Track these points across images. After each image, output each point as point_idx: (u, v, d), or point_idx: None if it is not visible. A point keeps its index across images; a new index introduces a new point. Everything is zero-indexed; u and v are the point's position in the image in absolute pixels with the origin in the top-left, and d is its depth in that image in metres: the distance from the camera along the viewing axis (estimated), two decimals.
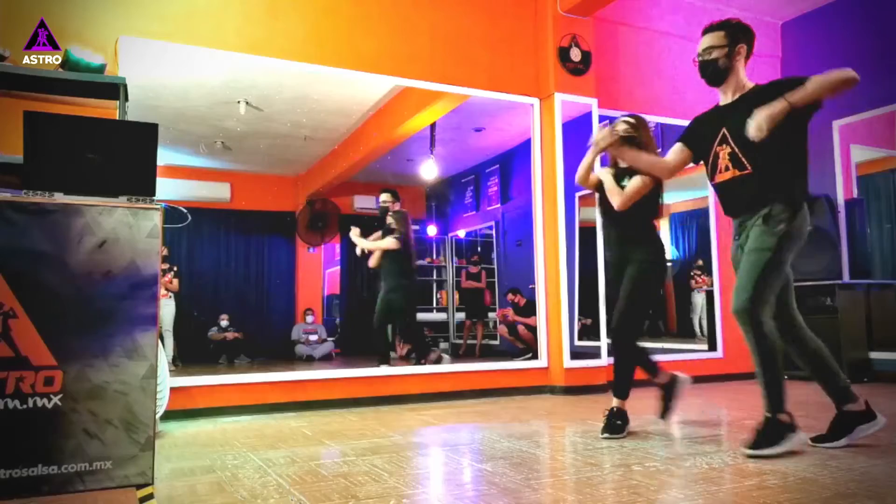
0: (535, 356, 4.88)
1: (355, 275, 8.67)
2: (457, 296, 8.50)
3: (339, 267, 8.89)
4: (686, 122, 2.97)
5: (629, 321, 3.06)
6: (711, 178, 2.81)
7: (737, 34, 2.72)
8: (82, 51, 2.99)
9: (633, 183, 3.04)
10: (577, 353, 4.76)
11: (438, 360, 5.23)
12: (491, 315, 7.93)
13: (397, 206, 5.65)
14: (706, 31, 2.78)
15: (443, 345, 8.24)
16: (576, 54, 4.92)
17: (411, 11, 4.61)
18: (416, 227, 8.31)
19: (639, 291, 3.04)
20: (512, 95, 4.92)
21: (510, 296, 6.76)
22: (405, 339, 6.14)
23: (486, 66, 4.82)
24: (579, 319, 5.17)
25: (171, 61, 4.17)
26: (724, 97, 2.79)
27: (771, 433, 2.51)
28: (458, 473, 2.42)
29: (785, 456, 2.46)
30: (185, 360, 6.72)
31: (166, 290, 6.61)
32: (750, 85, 2.73)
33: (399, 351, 6.74)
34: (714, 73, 2.73)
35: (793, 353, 2.71)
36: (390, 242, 5.46)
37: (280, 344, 7.83)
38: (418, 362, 5.21)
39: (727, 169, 2.70)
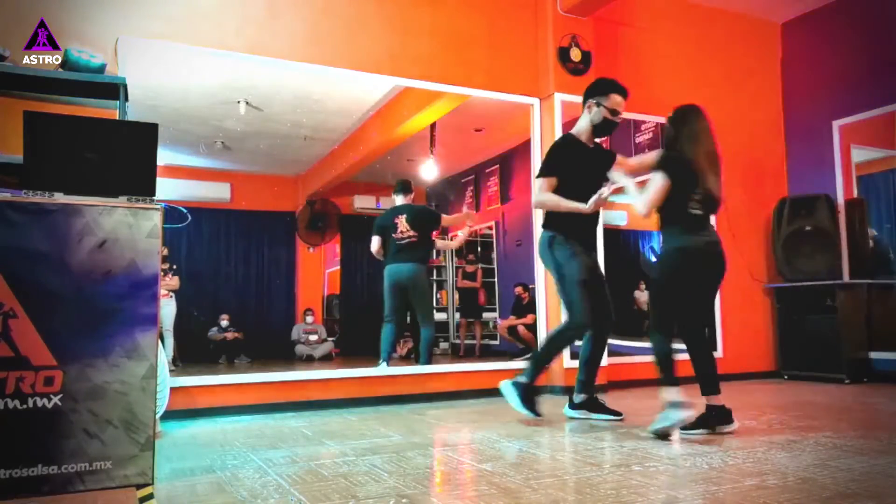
0: None
1: (355, 275, 8.67)
2: (456, 296, 8.50)
3: (339, 267, 8.88)
4: None
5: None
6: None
7: None
8: (82, 51, 2.99)
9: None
10: (577, 353, 4.74)
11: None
12: (486, 315, 7.93)
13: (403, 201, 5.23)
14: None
15: (443, 345, 8.24)
16: (576, 54, 4.92)
17: (411, 11, 4.61)
18: None
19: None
20: (512, 95, 4.92)
21: (518, 289, 6.75)
22: None
23: (486, 66, 4.81)
24: None
25: (171, 61, 4.17)
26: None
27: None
28: (458, 473, 2.42)
29: (784, 456, 2.47)
30: (185, 360, 6.72)
31: (166, 289, 6.60)
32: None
33: (399, 350, 6.73)
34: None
35: None
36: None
37: (280, 344, 7.82)
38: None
39: None
